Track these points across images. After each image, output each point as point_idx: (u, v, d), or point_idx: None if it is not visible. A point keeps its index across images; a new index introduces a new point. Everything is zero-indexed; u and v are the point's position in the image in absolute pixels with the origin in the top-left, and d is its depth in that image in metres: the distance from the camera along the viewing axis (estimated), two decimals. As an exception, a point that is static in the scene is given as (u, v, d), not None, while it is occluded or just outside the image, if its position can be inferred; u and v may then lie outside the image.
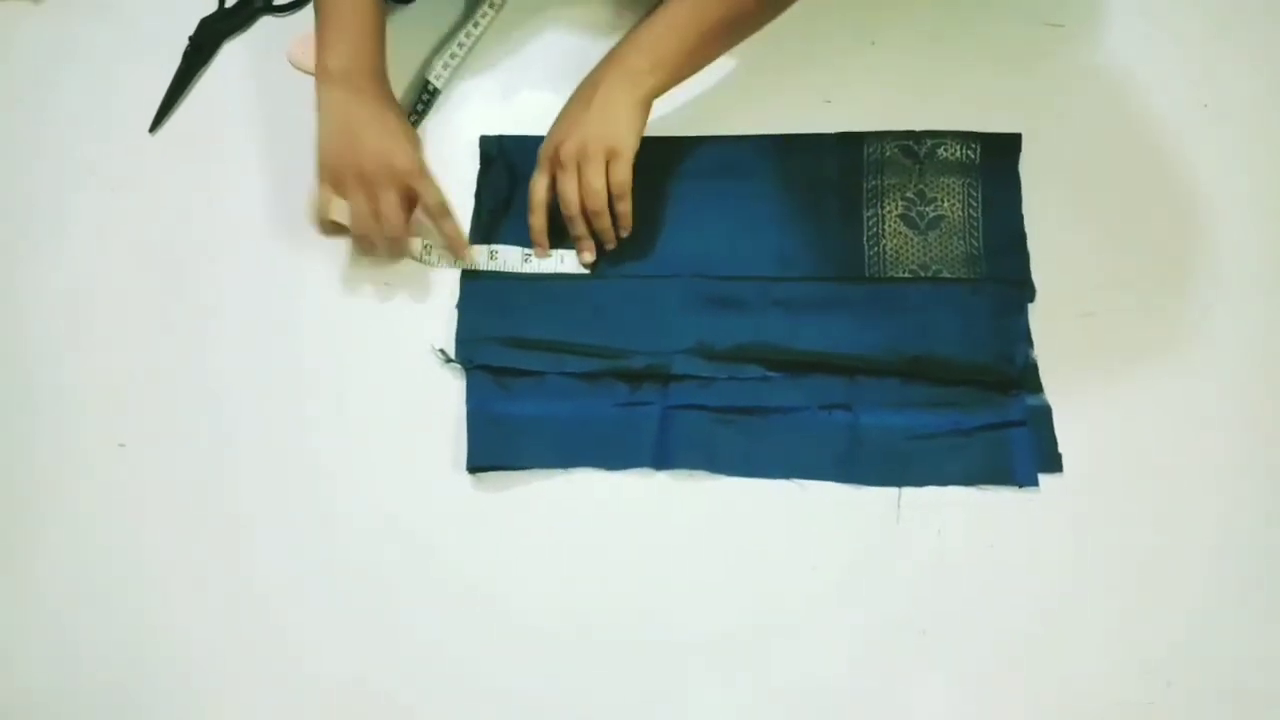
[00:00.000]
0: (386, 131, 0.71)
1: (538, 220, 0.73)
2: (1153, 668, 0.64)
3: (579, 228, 0.73)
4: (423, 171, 0.72)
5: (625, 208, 0.72)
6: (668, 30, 0.71)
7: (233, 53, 0.85)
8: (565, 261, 0.74)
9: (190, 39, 0.84)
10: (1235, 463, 0.68)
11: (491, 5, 0.82)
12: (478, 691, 0.65)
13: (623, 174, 0.71)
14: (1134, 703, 0.63)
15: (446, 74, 0.80)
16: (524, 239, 0.75)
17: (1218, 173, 0.76)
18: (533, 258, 0.75)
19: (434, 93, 0.80)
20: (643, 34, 0.71)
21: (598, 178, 0.70)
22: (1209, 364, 0.70)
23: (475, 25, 0.82)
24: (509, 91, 0.82)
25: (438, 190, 0.73)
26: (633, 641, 0.66)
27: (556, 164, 0.71)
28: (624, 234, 0.74)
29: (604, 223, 0.72)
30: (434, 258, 0.75)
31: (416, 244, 0.75)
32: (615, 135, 0.70)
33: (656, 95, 0.71)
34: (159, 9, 0.85)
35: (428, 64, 0.81)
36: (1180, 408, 0.69)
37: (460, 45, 0.81)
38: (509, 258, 0.75)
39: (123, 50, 0.84)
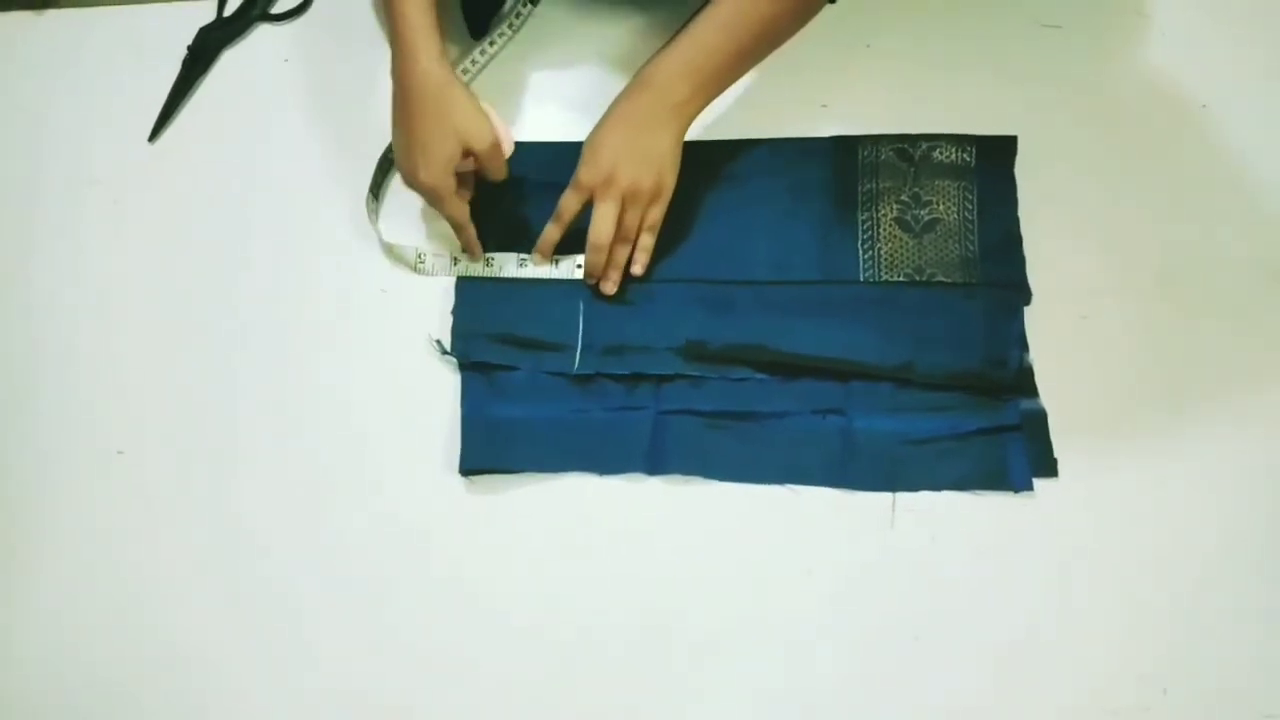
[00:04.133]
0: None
1: (555, 234, 0.73)
2: (1148, 674, 0.63)
3: (604, 258, 0.72)
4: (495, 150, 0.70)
5: (649, 244, 0.72)
6: (706, 54, 0.70)
7: (231, 61, 0.85)
8: (560, 266, 0.74)
9: (189, 48, 0.84)
10: (1231, 468, 0.67)
11: (510, 26, 0.81)
12: (469, 692, 0.66)
13: (660, 214, 0.72)
14: (1129, 709, 0.63)
15: None
16: (517, 244, 0.75)
17: (1216, 175, 0.75)
18: (529, 263, 0.75)
19: None
20: (680, 57, 0.70)
21: (637, 217, 0.71)
22: (1206, 368, 0.70)
23: (491, 44, 0.81)
24: (503, 96, 0.82)
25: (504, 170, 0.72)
26: (625, 645, 0.66)
27: (602, 193, 0.70)
28: (638, 270, 0.73)
29: (622, 256, 0.73)
30: (429, 266, 0.75)
31: (411, 253, 0.75)
32: (663, 176, 0.70)
33: (693, 121, 0.72)
34: (158, 18, 0.86)
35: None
36: (1176, 411, 0.69)
37: (473, 62, 0.80)
38: (505, 264, 0.75)
39: (122, 60, 0.85)
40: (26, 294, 0.78)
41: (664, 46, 0.71)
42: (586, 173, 0.70)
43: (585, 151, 0.71)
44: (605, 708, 0.65)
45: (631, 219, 0.71)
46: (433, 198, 0.71)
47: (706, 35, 0.70)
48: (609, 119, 0.71)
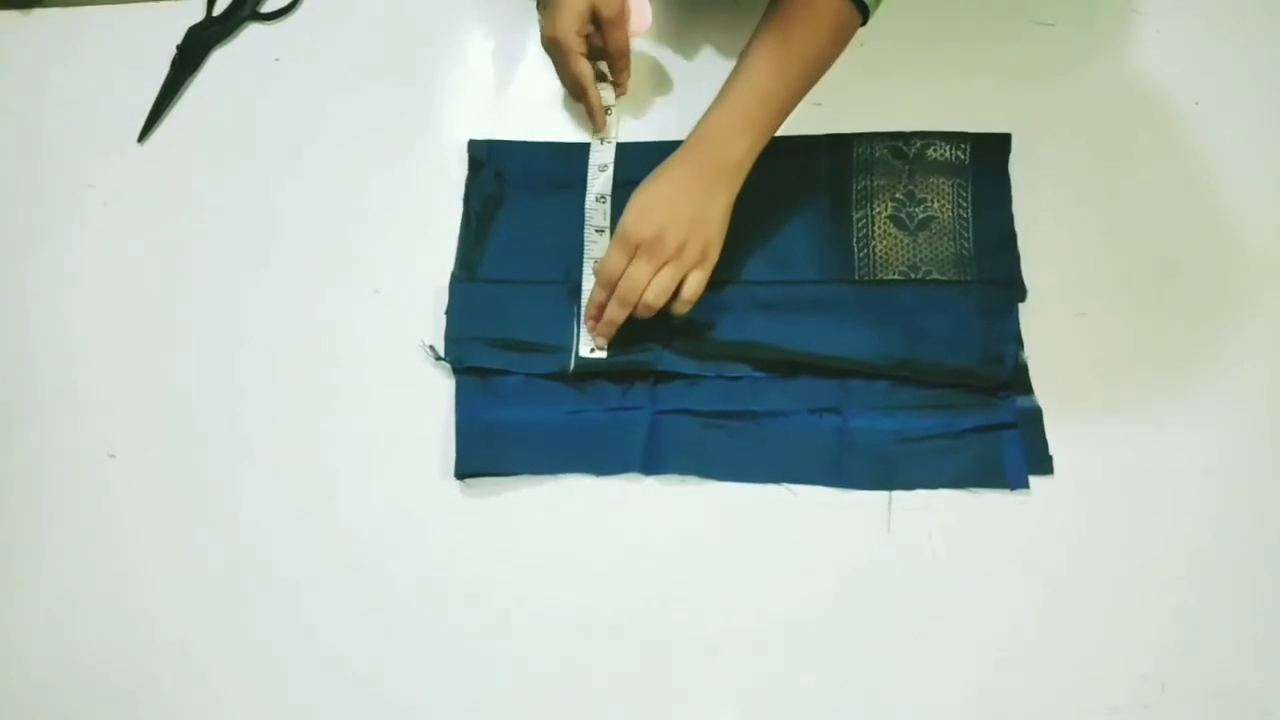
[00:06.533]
0: None
1: (603, 296, 0.69)
2: (1147, 671, 0.63)
3: (623, 316, 0.69)
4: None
5: (684, 311, 0.69)
6: (760, 104, 0.67)
7: (221, 61, 0.84)
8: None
9: (178, 48, 0.84)
10: (1228, 464, 0.67)
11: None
12: (466, 693, 0.65)
13: (702, 282, 0.68)
14: (1128, 706, 0.62)
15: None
16: (511, 242, 0.75)
17: (1209, 171, 0.75)
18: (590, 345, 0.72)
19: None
20: (736, 109, 0.67)
21: (674, 280, 0.67)
22: (1201, 364, 0.70)
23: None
24: (498, 95, 0.82)
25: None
26: (622, 645, 0.66)
27: (646, 251, 0.67)
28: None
29: (624, 317, 0.69)
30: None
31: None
32: (711, 243, 0.68)
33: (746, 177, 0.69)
34: (147, 18, 0.85)
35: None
36: (1172, 409, 0.69)
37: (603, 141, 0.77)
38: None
39: (111, 60, 0.84)
40: (16, 295, 0.77)
41: (716, 100, 0.68)
42: (635, 228, 0.67)
43: (634, 207, 0.67)
44: (602, 707, 0.65)
45: (668, 280, 0.67)
46: (555, 54, 0.71)
47: (758, 84, 0.67)
48: (664, 176, 0.68)
